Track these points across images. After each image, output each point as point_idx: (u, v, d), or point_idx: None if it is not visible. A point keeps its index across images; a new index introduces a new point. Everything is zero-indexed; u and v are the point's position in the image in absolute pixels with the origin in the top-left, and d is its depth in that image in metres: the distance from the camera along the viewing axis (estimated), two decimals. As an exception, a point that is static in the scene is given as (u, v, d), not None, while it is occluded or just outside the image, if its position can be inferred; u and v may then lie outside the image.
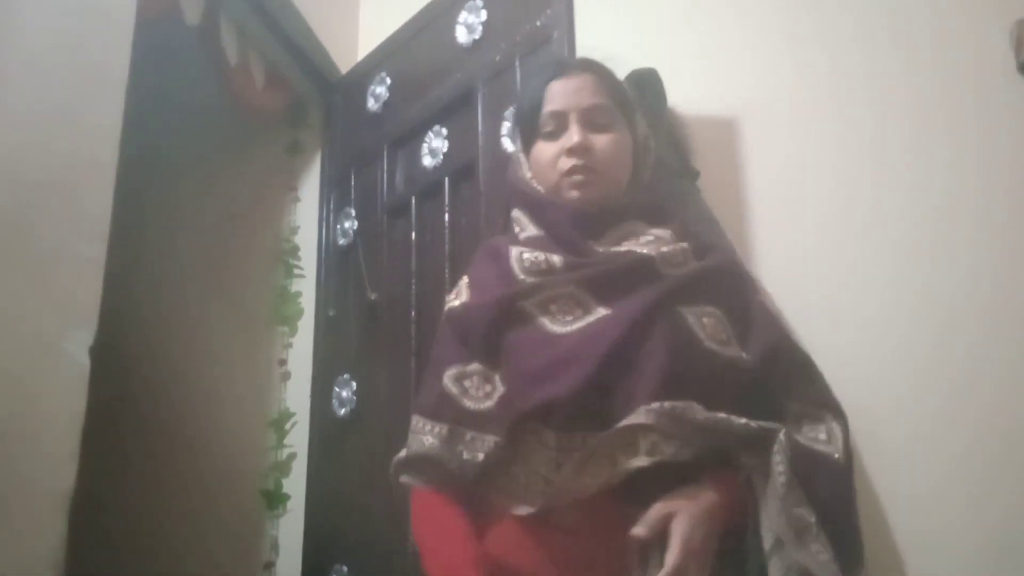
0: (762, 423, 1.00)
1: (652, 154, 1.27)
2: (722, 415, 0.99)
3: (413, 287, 1.93)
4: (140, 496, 2.33)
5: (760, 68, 2.14)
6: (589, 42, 1.73)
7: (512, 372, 1.08)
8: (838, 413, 1.13)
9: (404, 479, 1.14)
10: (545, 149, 1.19)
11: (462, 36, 1.93)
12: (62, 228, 1.24)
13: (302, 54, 2.28)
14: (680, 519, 0.95)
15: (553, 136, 1.18)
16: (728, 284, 1.15)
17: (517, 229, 1.22)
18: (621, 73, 2.03)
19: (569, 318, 1.09)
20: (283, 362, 2.32)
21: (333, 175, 2.36)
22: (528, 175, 1.22)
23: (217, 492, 2.26)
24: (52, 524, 1.13)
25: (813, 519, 0.95)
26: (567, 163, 1.16)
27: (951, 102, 1.97)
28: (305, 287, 2.35)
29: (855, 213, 1.95)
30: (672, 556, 0.93)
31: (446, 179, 1.91)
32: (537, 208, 1.20)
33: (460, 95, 1.91)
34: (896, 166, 1.96)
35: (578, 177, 1.15)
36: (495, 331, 1.11)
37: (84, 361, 1.23)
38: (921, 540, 1.72)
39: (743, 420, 0.99)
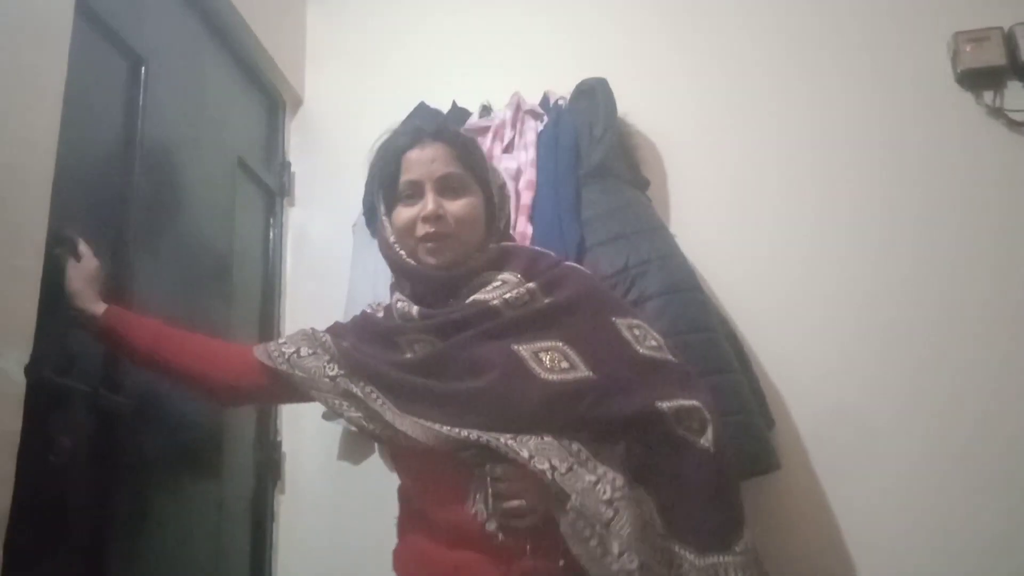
0: (564, 480, 1.09)
1: (509, 200, 1.42)
2: (524, 456, 1.10)
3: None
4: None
5: (703, 87, 2.17)
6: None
7: None
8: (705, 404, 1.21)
9: None
10: (403, 213, 1.30)
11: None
12: (-6, 240, 1.19)
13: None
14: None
15: (411, 201, 1.29)
16: (575, 315, 1.24)
17: (399, 287, 1.37)
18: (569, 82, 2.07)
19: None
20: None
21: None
22: (392, 239, 1.32)
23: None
24: (-15, 549, 1.08)
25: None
26: (423, 229, 1.27)
27: (892, 114, 2.02)
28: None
29: (800, 225, 1.99)
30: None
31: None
32: (403, 273, 1.34)
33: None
34: (838, 179, 2.00)
35: (432, 244, 1.27)
36: None
37: (20, 379, 1.18)
38: (872, 543, 1.75)
39: (544, 466, 1.10)
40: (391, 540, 1.94)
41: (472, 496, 1.15)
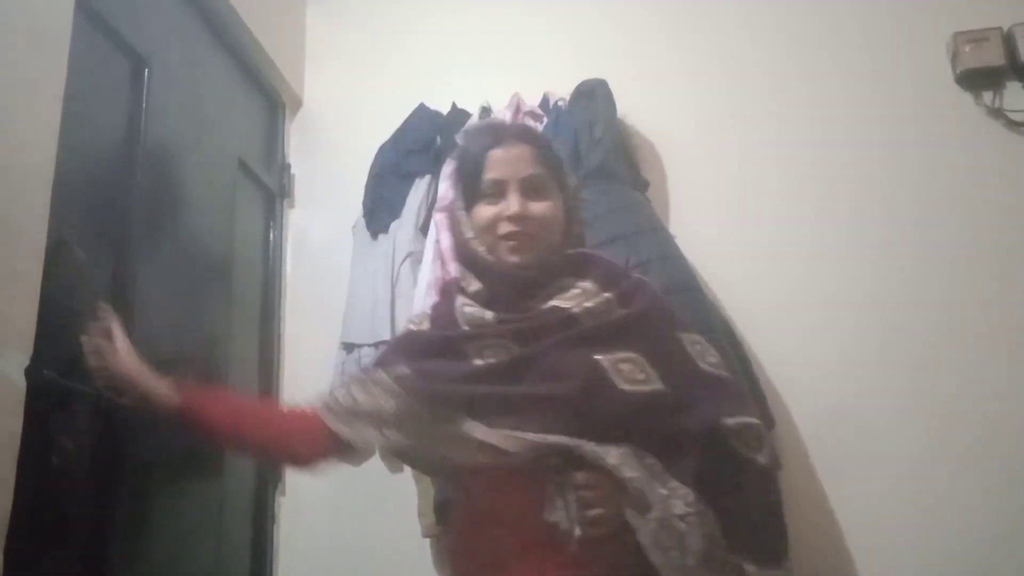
0: (644, 485, 1.11)
1: (583, 206, 1.41)
2: (611, 463, 1.12)
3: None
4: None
5: (703, 87, 2.17)
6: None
7: None
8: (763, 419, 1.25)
9: None
10: (485, 211, 1.28)
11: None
12: (-6, 243, 1.19)
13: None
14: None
15: (494, 200, 1.28)
16: (648, 328, 1.25)
17: (464, 283, 1.33)
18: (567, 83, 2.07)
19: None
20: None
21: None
22: (470, 235, 1.31)
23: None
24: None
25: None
26: (506, 228, 1.26)
27: (892, 114, 2.02)
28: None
29: (800, 225, 1.99)
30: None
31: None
32: (481, 270, 1.31)
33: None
34: (838, 179, 2.00)
35: (514, 243, 1.27)
36: None
37: (20, 382, 1.19)
38: (872, 544, 1.75)
39: (631, 474, 1.11)
40: (391, 541, 1.96)
41: (553, 503, 1.13)
